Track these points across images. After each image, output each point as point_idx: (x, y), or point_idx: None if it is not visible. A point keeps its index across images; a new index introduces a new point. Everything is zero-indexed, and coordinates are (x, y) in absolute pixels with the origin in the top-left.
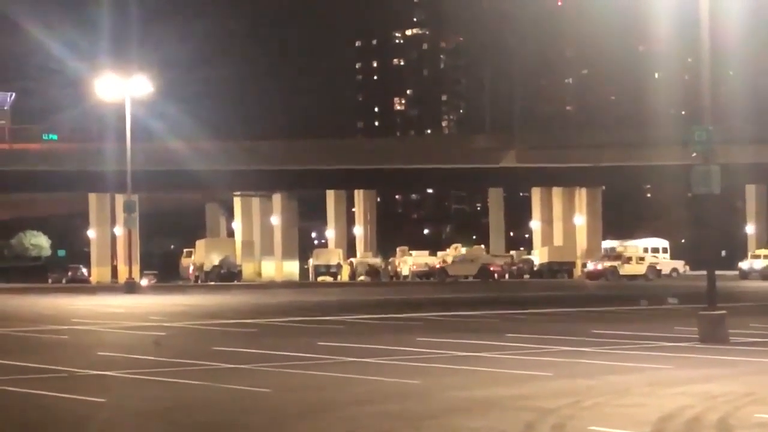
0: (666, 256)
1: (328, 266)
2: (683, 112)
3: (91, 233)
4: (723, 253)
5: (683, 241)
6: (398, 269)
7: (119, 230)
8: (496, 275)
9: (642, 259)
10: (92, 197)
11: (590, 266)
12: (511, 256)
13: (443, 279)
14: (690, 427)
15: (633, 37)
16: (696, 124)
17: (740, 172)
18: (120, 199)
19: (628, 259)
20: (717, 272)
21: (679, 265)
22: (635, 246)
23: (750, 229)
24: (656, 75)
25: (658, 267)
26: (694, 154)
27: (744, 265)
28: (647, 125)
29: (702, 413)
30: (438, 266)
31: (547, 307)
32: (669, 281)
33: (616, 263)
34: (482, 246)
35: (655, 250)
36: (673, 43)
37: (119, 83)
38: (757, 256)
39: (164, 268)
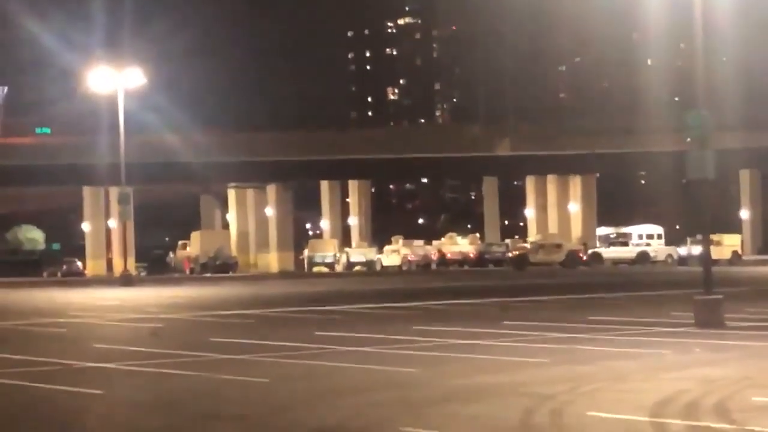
0: (661, 242)
1: (324, 256)
2: (676, 99)
3: (86, 226)
4: None
5: (678, 227)
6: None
7: (113, 223)
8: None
9: (559, 246)
10: (86, 190)
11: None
12: (506, 245)
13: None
14: (688, 411)
15: (625, 25)
16: (690, 110)
17: (734, 157)
18: (114, 192)
19: (541, 247)
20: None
21: (674, 251)
22: (553, 234)
23: (744, 214)
24: (649, 62)
25: (580, 254)
26: (689, 140)
27: (682, 250)
28: (641, 112)
29: (699, 397)
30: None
31: (543, 295)
32: (665, 267)
33: (525, 251)
34: (477, 235)
35: (650, 237)
36: (666, 29)
37: (112, 75)
38: (698, 242)
39: (159, 260)
